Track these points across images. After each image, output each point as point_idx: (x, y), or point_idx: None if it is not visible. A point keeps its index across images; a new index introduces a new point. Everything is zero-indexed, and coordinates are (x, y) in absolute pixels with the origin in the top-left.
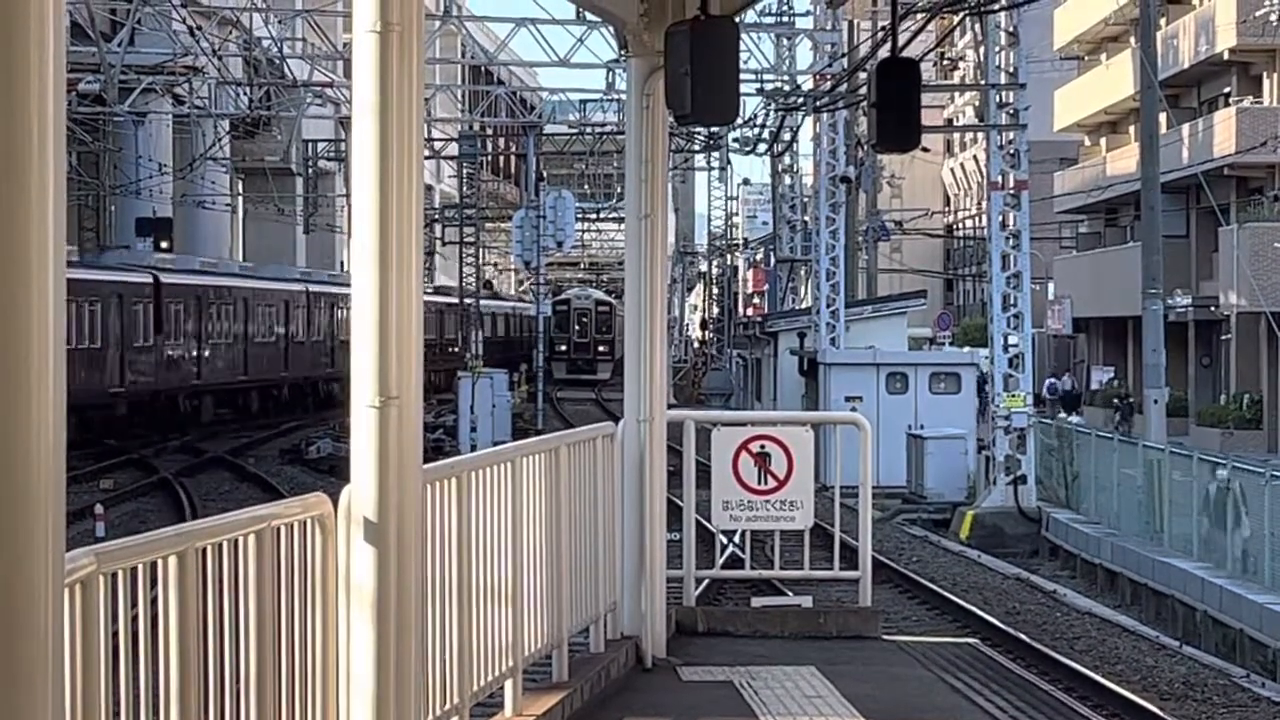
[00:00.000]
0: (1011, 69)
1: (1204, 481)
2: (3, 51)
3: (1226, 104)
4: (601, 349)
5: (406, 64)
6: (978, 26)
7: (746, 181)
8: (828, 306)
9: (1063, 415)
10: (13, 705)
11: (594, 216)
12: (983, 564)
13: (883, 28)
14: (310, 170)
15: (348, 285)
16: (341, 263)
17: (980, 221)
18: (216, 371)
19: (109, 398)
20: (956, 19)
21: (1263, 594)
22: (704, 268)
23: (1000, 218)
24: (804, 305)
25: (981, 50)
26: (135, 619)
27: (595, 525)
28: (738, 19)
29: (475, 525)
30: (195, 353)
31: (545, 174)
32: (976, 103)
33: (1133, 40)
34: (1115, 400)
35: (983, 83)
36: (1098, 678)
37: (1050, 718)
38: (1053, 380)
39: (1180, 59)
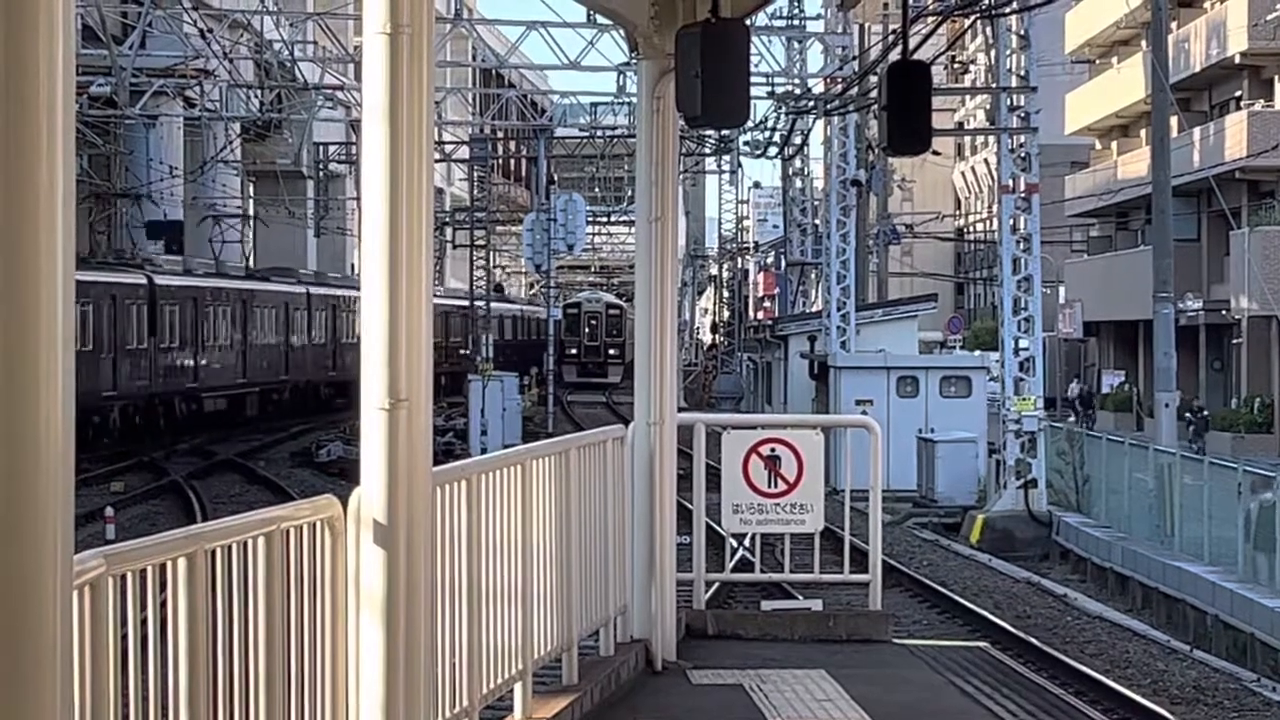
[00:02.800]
0: (1022, 72)
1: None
2: (12, 54)
3: (1238, 107)
4: (612, 352)
5: (417, 66)
6: (989, 30)
7: (757, 185)
8: (838, 310)
9: (1071, 419)
10: (21, 707)
11: (604, 220)
12: (993, 568)
13: (894, 31)
14: (321, 173)
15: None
16: (352, 265)
17: (991, 225)
18: None
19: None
20: (968, 22)
21: (1273, 598)
22: (714, 271)
23: (1011, 221)
24: (814, 309)
25: (992, 53)
26: (144, 621)
27: (605, 528)
28: (748, 22)
29: (485, 528)
30: None
31: (556, 177)
32: (987, 106)
33: (1144, 44)
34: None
35: (994, 86)
36: (1108, 681)
37: None
38: None
39: (1191, 62)
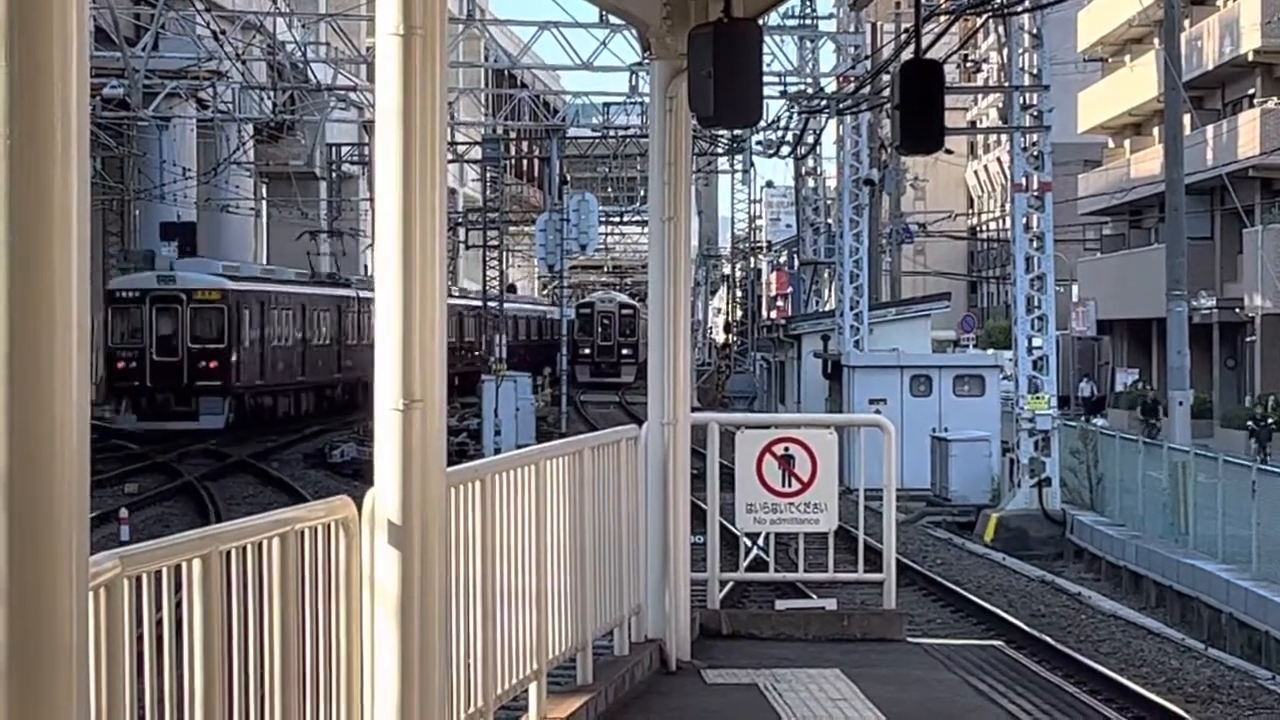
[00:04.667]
0: (1035, 71)
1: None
2: (27, 56)
3: (1251, 105)
4: (625, 352)
5: (430, 67)
6: (1001, 28)
7: (770, 184)
8: (851, 309)
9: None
10: (38, 708)
11: (617, 220)
12: (1007, 566)
13: (906, 30)
14: (334, 174)
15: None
16: (365, 266)
17: (1004, 224)
18: None
19: None
20: (980, 21)
21: None
22: (727, 270)
23: (1024, 220)
24: (827, 308)
25: (1005, 52)
26: (160, 622)
27: (619, 528)
28: (761, 21)
29: (499, 528)
30: None
31: (568, 177)
32: (1000, 105)
33: (1156, 42)
34: (1251, 421)
35: (1006, 85)
36: (1123, 680)
37: None
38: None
39: (1204, 60)
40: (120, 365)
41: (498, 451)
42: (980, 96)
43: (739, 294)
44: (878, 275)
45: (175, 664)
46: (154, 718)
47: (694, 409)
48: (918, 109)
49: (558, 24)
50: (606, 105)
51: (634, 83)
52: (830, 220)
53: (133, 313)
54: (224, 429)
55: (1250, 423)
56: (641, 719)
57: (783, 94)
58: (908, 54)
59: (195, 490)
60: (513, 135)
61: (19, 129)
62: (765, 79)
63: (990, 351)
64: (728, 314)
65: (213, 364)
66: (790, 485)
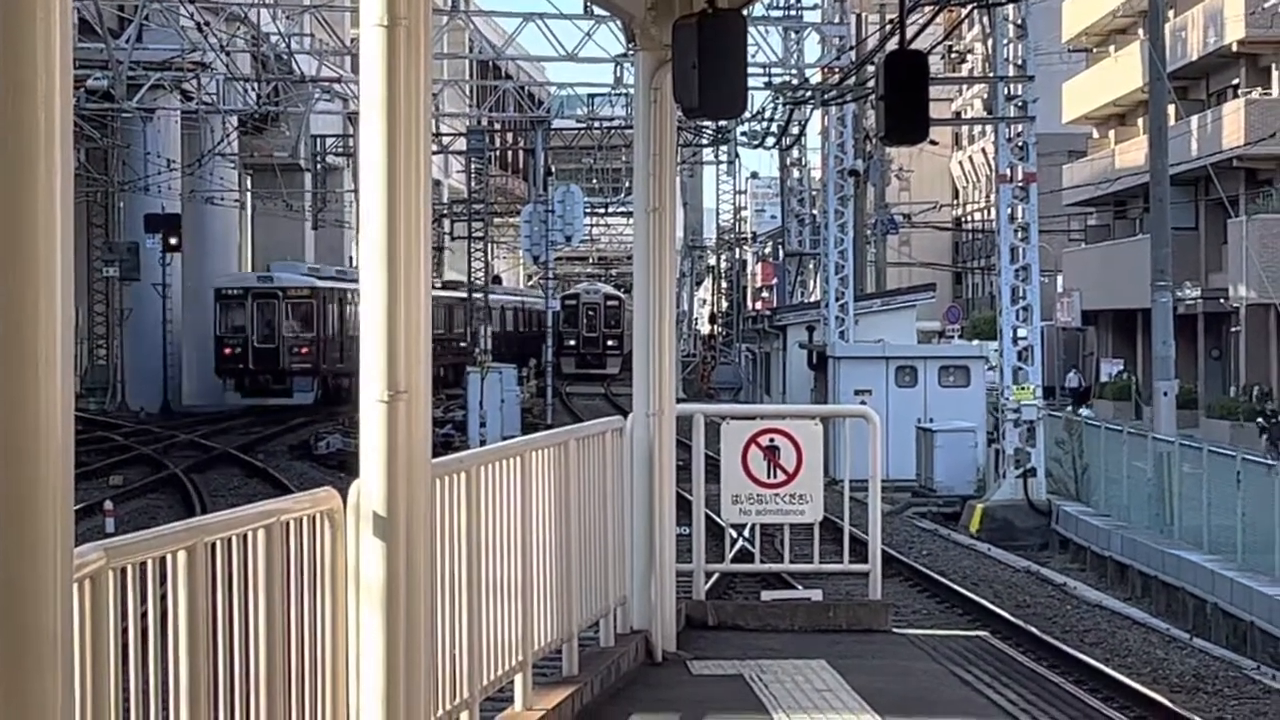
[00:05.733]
0: (1020, 61)
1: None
2: (10, 48)
3: (1235, 96)
4: (610, 343)
5: (414, 59)
6: (986, 19)
7: (755, 175)
8: (836, 300)
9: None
10: (22, 700)
11: (602, 211)
12: (993, 557)
13: (891, 20)
14: (318, 166)
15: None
16: (350, 258)
17: (989, 214)
18: None
19: None
20: (964, 11)
21: (1273, 586)
22: (712, 262)
23: (1009, 210)
24: (813, 299)
25: (990, 43)
26: (144, 614)
27: (604, 519)
28: (745, 12)
29: (484, 520)
30: None
31: (553, 168)
32: (985, 95)
33: (1141, 32)
34: (1261, 418)
35: (991, 75)
36: (1108, 670)
37: (1060, 710)
38: None
39: (1189, 51)
40: (227, 351)
41: (483, 443)
42: (965, 87)
43: (724, 285)
44: (863, 266)
45: (160, 655)
46: (139, 709)
47: (679, 400)
48: (902, 100)
49: (542, 15)
50: (591, 97)
51: (619, 74)
52: (815, 211)
53: (236, 307)
54: (313, 405)
55: (1260, 419)
56: (627, 710)
57: (768, 85)
58: (892, 45)
59: (180, 482)
60: (497, 127)
61: (2, 121)
62: (750, 70)
63: (975, 342)
64: (713, 305)
65: (304, 350)
66: (775, 476)
